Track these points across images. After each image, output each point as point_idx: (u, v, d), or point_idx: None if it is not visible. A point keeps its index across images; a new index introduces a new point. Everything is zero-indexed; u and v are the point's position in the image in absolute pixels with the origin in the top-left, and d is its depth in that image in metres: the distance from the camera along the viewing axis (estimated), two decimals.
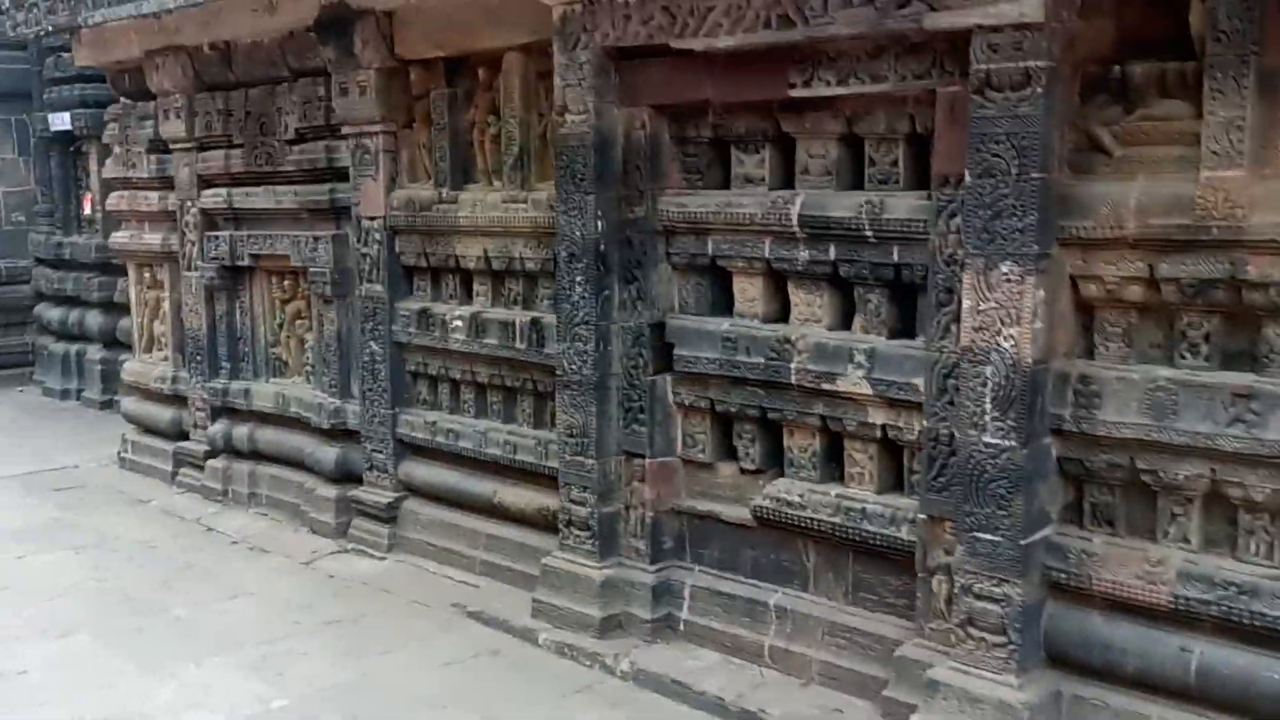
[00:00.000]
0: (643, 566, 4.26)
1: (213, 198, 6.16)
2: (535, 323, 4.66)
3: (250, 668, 4.14)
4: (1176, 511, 3.13)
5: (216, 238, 6.16)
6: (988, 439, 3.23)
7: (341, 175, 5.45)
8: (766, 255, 3.88)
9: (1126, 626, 3.18)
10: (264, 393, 6.10)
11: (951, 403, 3.37)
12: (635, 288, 4.20)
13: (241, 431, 6.21)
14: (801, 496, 3.86)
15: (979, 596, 3.27)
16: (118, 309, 8.70)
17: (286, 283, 6.05)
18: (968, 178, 3.21)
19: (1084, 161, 3.19)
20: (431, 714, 3.81)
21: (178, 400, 6.67)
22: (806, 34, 3.51)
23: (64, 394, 9.26)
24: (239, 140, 5.98)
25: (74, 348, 9.31)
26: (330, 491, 5.62)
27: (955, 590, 3.36)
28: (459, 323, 4.97)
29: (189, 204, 6.28)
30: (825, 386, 3.72)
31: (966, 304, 3.25)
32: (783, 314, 3.97)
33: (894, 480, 3.76)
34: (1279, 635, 2.93)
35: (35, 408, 9.10)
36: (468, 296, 5.08)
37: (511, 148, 4.74)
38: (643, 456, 4.24)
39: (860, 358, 3.64)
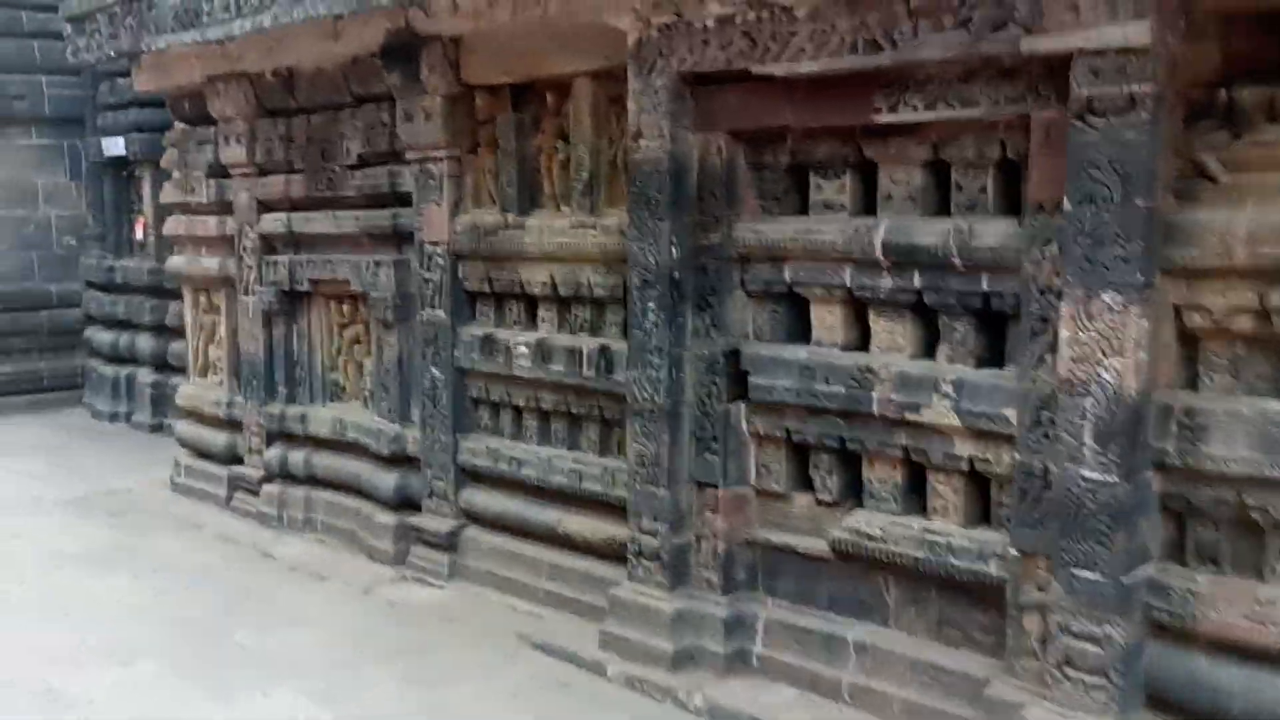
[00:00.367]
0: (715, 599, 4.18)
1: (272, 222, 6.17)
2: (603, 349, 4.61)
3: (319, 696, 4.08)
4: None
5: (275, 262, 6.16)
6: (1087, 473, 3.14)
7: (404, 200, 5.44)
8: (847, 283, 3.81)
9: (1233, 668, 3.07)
10: (321, 418, 6.07)
11: (1047, 435, 3.28)
12: (709, 315, 4.14)
13: (297, 456, 6.18)
14: (882, 529, 3.77)
15: (1077, 636, 3.18)
16: (169, 332, 8.74)
17: (345, 307, 6.04)
18: (1067, 205, 3.13)
19: (1188, 189, 3.11)
20: None
21: (232, 424, 6.65)
22: (895, 58, 3.46)
23: (112, 417, 9.30)
24: (300, 165, 5.99)
25: (124, 371, 9.35)
26: (388, 518, 5.57)
27: (1050, 629, 3.26)
28: (524, 349, 4.92)
29: (248, 229, 6.29)
30: (909, 417, 3.64)
31: (1065, 334, 3.16)
32: (861, 342, 3.89)
33: (979, 513, 3.67)
34: None
35: (83, 430, 9.12)
36: (532, 322, 5.03)
37: (581, 173, 4.70)
38: (715, 486, 4.16)
39: (947, 388, 3.55)
